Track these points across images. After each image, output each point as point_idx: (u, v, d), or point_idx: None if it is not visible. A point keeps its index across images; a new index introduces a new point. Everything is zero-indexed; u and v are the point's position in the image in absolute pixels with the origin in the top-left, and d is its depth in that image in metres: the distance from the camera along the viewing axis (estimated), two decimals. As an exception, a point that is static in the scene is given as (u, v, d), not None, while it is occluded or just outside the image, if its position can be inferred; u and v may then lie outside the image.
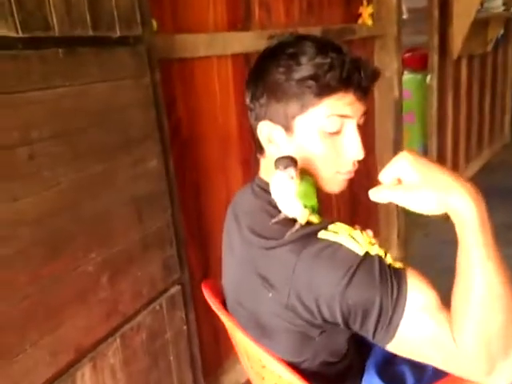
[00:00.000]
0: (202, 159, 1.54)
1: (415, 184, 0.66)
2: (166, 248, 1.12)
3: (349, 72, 0.77)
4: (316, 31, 1.90)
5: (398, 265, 0.74)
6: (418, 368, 0.96)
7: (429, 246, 2.64)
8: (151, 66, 1.07)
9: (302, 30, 1.82)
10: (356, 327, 0.73)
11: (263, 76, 0.82)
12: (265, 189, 0.86)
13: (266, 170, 0.90)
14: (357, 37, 2.26)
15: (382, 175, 0.70)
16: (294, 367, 0.80)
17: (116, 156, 0.98)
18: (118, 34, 0.96)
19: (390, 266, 0.72)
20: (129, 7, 0.98)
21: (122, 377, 1.02)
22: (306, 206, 0.77)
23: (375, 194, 0.70)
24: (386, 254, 0.74)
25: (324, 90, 0.77)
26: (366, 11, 2.33)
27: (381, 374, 0.97)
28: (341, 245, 0.73)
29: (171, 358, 1.15)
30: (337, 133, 0.81)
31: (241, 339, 0.87)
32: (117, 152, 0.98)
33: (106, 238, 0.96)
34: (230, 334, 0.97)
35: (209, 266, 1.58)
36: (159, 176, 1.10)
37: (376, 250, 0.73)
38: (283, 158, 0.74)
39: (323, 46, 0.79)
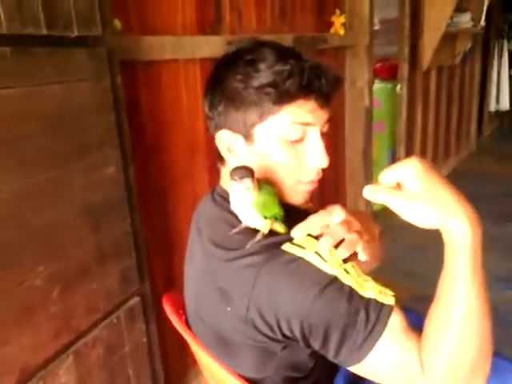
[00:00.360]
0: (168, 165, 1.49)
1: (414, 194, 0.63)
2: (124, 258, 1.07)
3: (309, 79, 0.75)
4: (288, 38, 1.89)
5: (377, 292, 0.69)
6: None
7: (395, 250, 2.69)
8: (112, 69, 1.02)
9: (273, 37, 1.80)
10: (315, 347, 0.71)
11: (221, 84, 0.80)
12: (225, 197, 0.84)
13: (227, 179, 0.87)
14: (329, 46, 2.26)
15: (384, 175, 0.66)
16: (258, 384, 0.77)
17: (69, 163, 0.92)
18: (76, 33, 0.91)
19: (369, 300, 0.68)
20: (88, 6, 0.93)
21: (76, 395, 0.96)
22: (265, 217, 0.74)
23: (370, 192, 0.66)
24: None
25: (283, 97, 0.75)
26: (339, 21, 2.33)
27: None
28: (306, 261, 0.70)
29: (130, 372, 1.10)
30: (299, 141, 0.78)
31: (204, 357, 0.84)
32: (70, 158, 0.92)
33: (57, 250, 0.90)
34: (192, 349, 0.93)
35: (174, 275, 1.53)
36: (117, 183, 1.05)
37: (347, 277, 0.70)
38: (238, 168, 0.71)
39: (283, 52, 0.78)
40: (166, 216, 1.51)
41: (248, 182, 0.70)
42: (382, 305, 0.68)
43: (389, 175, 0.65)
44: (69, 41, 0.91)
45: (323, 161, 0.80)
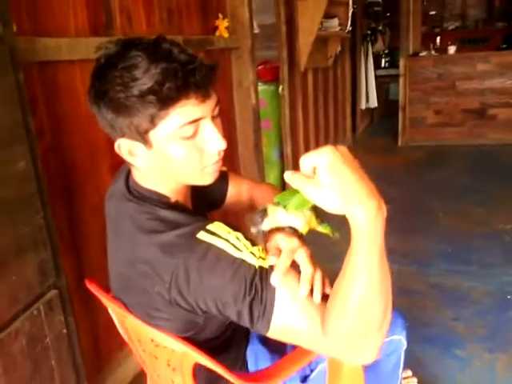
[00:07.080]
0: (70, 164, 1.51)
1: (323, 182, 0.68)
2: (40, 252, 1.10)
3: (184, 79, 0.76)
4: (177, 40, 1.98)
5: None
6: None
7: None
8: (14, 67, 1.05)
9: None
10: (233, 319, 0.80)
11: (103, 96, 0.79)
12: (142, 194, 0.89)
13: (141, 176, 0.90)
14: (215, 47, 2.41)
15: (302, 163, 0.71)
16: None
17: (-19, 157, 0.94)
18: (-21, 32, 0.94)
19: (264, 270, 0.78)
20: (-12, 6, 0.96)
21: (2, 386, 0.97)
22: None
23: (289, 176, 0.72)
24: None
25: (166, 102, 0.76)
26: (222, 24, 2.48)
27: (263, 341, 1.08)
28: (218, 248, 0.78)
29: (53, 362, 1.12)
30: (194, 134, 0.81)
31: (131, 324, 0.91)
32: (-18, 153, 0.95)
33: (-23, 242, 0.92)
34: (118, 323, 0.99)
35: (83, 271, 1.55)
36: (29, 178, 1.07)
37: (253, 257, 0.79)
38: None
39: (153, 54, 0.77)
40: (71, 214, 1.52)
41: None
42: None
43: (306, 163, 0.71)
44: (-28, 39, 0.93)
45: (221, 144, 0.84)
